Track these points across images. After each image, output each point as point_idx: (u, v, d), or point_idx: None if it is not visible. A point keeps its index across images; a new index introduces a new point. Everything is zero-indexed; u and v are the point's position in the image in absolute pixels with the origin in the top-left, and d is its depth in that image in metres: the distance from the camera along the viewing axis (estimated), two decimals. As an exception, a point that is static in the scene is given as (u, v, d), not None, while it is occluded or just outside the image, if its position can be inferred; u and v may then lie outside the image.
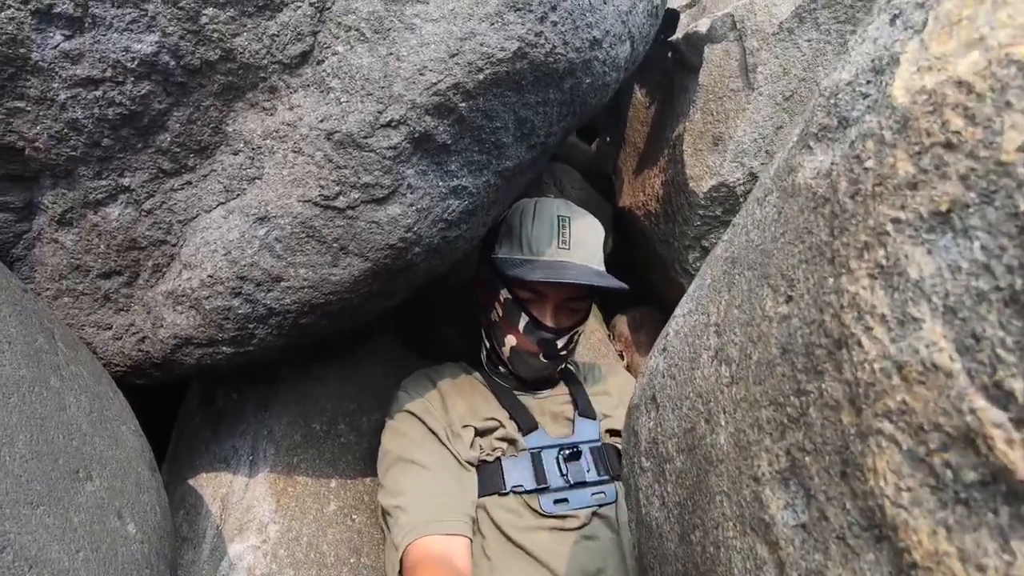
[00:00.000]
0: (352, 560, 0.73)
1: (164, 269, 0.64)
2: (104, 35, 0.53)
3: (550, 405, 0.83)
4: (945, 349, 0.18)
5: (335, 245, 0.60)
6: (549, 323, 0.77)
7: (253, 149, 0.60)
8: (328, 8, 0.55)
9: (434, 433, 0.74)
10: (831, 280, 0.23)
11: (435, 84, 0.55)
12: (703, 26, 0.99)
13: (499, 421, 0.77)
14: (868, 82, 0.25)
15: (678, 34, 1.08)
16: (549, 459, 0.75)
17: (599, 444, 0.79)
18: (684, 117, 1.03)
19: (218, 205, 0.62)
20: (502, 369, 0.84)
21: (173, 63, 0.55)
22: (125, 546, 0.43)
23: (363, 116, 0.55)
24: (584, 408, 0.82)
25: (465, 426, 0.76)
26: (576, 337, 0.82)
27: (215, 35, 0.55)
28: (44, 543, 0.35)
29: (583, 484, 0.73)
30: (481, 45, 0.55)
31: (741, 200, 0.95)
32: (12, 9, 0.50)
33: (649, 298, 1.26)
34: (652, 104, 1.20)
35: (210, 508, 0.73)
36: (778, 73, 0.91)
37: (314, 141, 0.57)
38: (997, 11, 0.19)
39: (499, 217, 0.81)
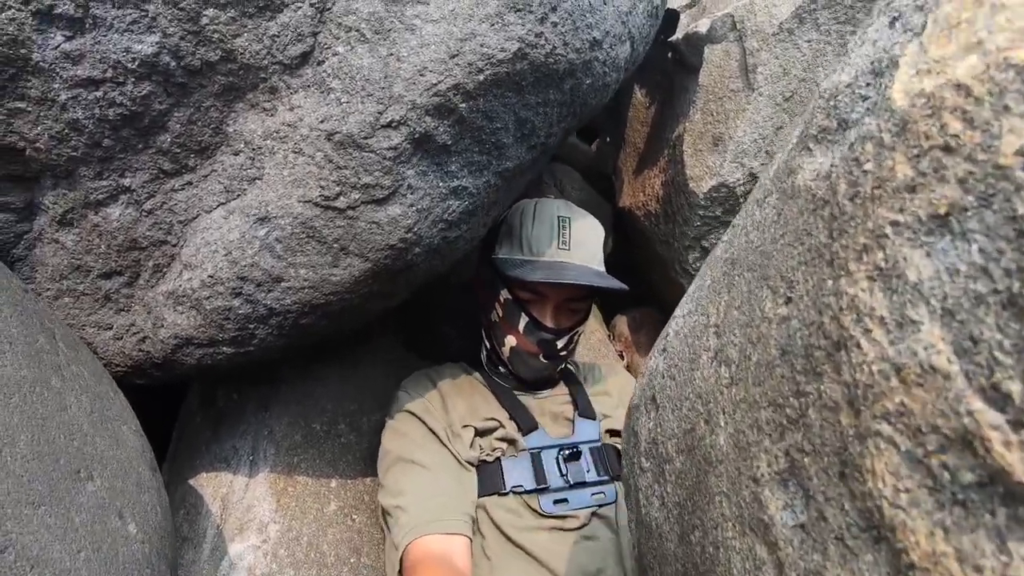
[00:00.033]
0: (352, 560, 0.73)
1: (165, 269, 0.64)
2: (105, 36, 0.53)
3: (550, 405, 0.83)
4: (943, 351, 0.18)
5: (335, 245, 0.60)
6: (549, 323, 0.77)
7: (254, 149, 0.60)
8: (328, 9, 0.55)
9: (434, 433, 0.74)
10: (830, 282, 0.24)
11: (435, 85, 0.55)
12: (703, 26, 0.99)
13: (499, 421, 0.78)
14: (867, 84, 0.25)
15: (678, 34, 1.09)
16: (549, 459, 0.75)
17: (599, 444, 0.79)
18: (684, 117, 1.03)
19: (219, 205, 0.62)
20: (502, 369, 0.84)
21: (174, 64, 0.55)
22: (126, 546, 0.43)
23: (363, 117, 0.56)
24: (584, 408, 0.82)
25: (465, 426, 0.76)
26: (576, 337, 0.82)
27: (216, 36, 0.55)
28: (46, 543, 0.35)
29: (583, 484, 0.74)
30: (481, 46, 0.55)
31: (741, 200, 0.95)
32: (13, 10, 0.50)
33: (649, 298, 1.26)
34: (652, 104, 1.21)
35: (210, 508, 0.73)
36: (778, 73, 0.91)
37: (314, 142, 0.57)
38: (995, 15, 0.19)
39: (499, 217, 0.82)
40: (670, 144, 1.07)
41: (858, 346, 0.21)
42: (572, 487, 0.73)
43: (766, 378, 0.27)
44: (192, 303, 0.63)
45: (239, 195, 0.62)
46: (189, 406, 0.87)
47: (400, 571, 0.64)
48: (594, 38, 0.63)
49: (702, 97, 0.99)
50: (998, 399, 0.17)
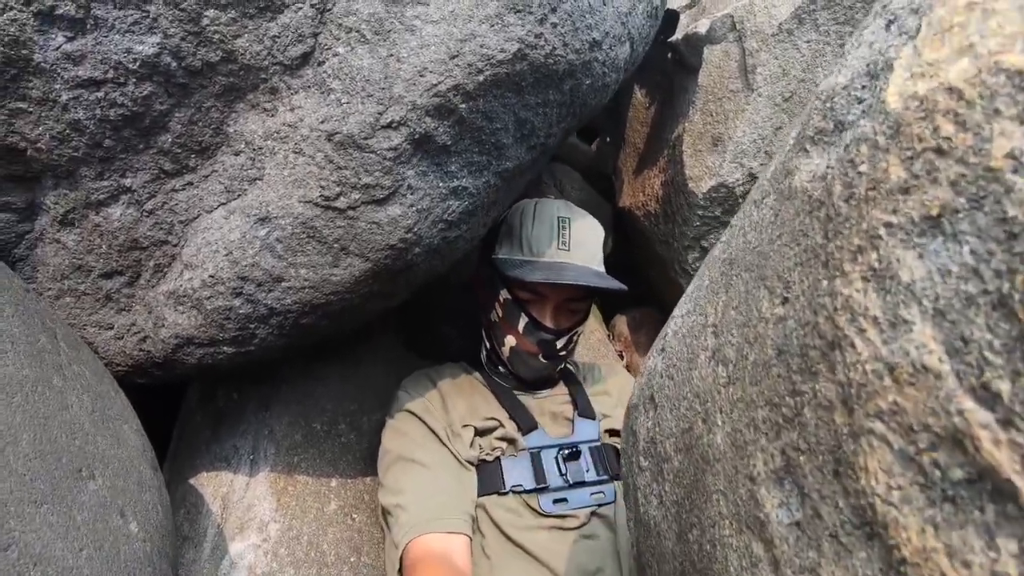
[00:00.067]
0: (352, 559, 0.74)
1: (165, 269, 0.65)
2: (106, 36, 0.53)
3: (550, 405, 0.83)
4: (935, 351, 0.18)
5: (336, 246, 0.60)
6: (549, 324, 0.78)
7: (254, 150, 0.60)
8: (329, 10, 0.56)
9: (434, 432, 0.74)
10: (825, 282, 0.24)
11: (435, 85, 0.55)
12: (702, 27, 0.99)
13: (499, 421, 0.78)
14: (863, 87, 0.26)
15: (678, 35, 1.09)
16: (548, 459, 0.75)
17: (598, 444, 0.79)
18: (684, 118, 1.04)
19: (219, 206, 0.63)
20: (502, 369, 0.84)
21: (175, 64, 0.55)
22: (128, 544, 0.44)
23: (364, 117, 0.56)
24: (583, 408, 0.83)
25: (465, 426, 0.76)
26: (575, 338, 0.82)
27: (216, 36, 0.55)
28: (48, 541, 0.35)
29: (582, 484, 0.74)
30: (481, 47, 0.55)
31: (740, 201, 0.96)
32: (14, 11, 0.50)
33: (649, 298, 1.26)
34: (652, 105, 1.21)
35: (211, 507, 0.73)
36: (777, 74, 0.91)
37: (315, 142, 0.57)
38: (987, 19, 0.20)
39: (499, 218, 0.82)
40: (670, 144, 1.07)
41: (852, 346, 0.22)
42: (571, 486, 0.73)
43: (763, 377, 0.28)
44: (193, 303, 0.63)
45: (240, 195, 0.62)
46: (189, 405, 0.87)
47: (400, 570, 0.64)
48: (594, 39, 0.63)
49: (701, 97, 0.99)
50: (988, 398, 0.17)
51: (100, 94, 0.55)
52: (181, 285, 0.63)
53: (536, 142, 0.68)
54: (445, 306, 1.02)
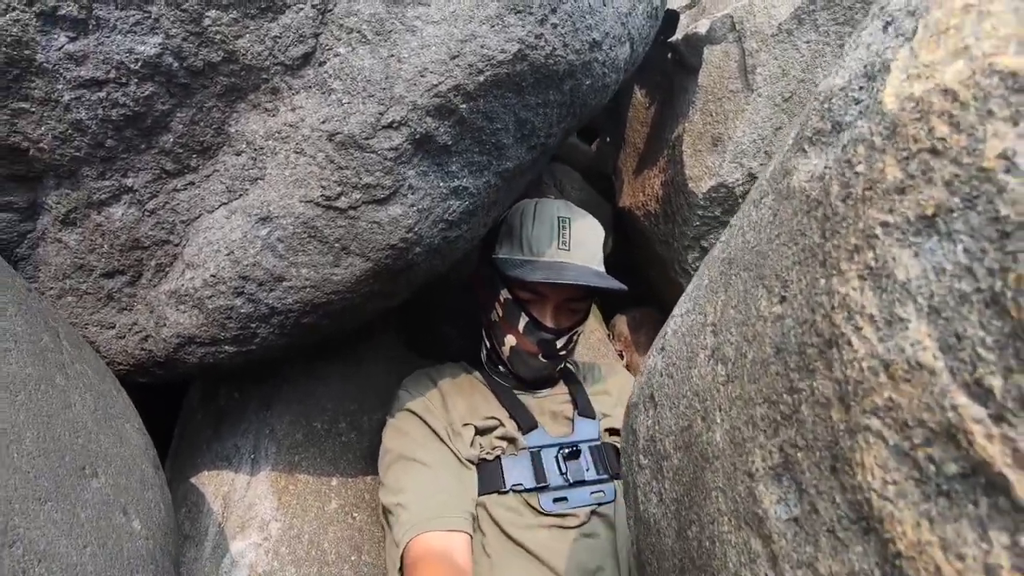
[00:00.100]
0: (353, 558, 0.74)
1: (167, 269, 0.65)
2: (108, 37, 0.53)
3: (550, 404, 0.84)
4: (929, 348, 0.19)
5: (337, 245, 0.60)
6: (549, 323, 0.78)
7: (255, 150, 0.61)
8: (330, 10, 0.56)
9: (435, 431, 0.75)
10: (823, 281, 0.24)
11: (436, 86, 0.55)
12: (702, 27, 1.00)
13: (499, 420, 0.78)
14: (861, 88, 0.26)
15: (677, 35, 1.09)
16: (548, 458, 0.75)
17: (598, 443, 0.79)
18: (683, 118, 1.04)
19: (220, 205, 0.63)
20: (502, 368, 0.84)
21: (176, 64, 0.56)
22: (131, 542, 0.44)
23: (365, 117, 0.56)
24: (583, 407, 0.83)
25: (465, 425, 0.76)
26: (575, 337, 0.82)
27: (218, 37, 0.55)
28: (52, 538, 0.35)
29: (582, 483, 0.74)
30: (482, 47, 0.55)
31: (740, 201, 0.96)
32: (17, 11, 0.51)
33: (649, 298, 1.27)
34: (652, 105, 1.21)
35: (212, 506, 0.73)
36: (777, 74, 0.92)
37: (316, 142, 0.58)
38: (982, 22, 0.20)
39: (499, 217, 0.82)
40: (669, 144, 1.08)
41: (849, 343, 0.22)
42: (571, 485, 0.73)
43: (761, 375, 0.28)
44: (194, 302, 0.63)
45: (241, 195, 0.62)
46: (191, 404, 0.87)
47: (401, 568, 0.65)
48: (594, 39, 0.63)
49: (701, 98, 1.00)
50: (981, 394, 0.17)
51: (102, 94, 0.55)
52: (183, 284, 0.63)
53: (536, 142, 0.68)
54: (445, 306, 1.02)
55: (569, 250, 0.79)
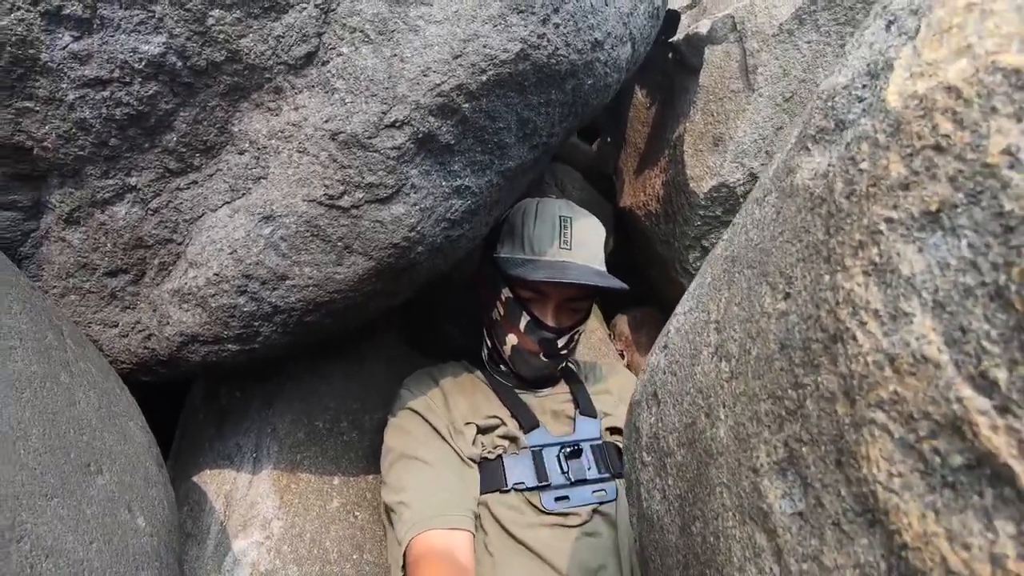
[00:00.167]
0: (355, 556, 0.74)
1: (170, 267, 0.65)
2: (112, 36, 0.53)
3: (551, 403, 0.84)
4: (934, 342, 0.19)
5: (340, 244, 0.61)
6: (550, 323, 0.78)
7: (258, 149, 0.61)
8: (333, 10, 0.56)
9: (436, 430, 0.75)
10: (827, 277, 0.24)
11: (439, 85, 0.55)
12: (704, 27, 1.00)
13: (500, 419, 0.78)
14: (864, 86, 0.26)
15: (679, 35, 1.09)
16: (550, 457, 0.75)
17: (600, 442, 0.79)
18: (684, 118, 1.04)
19: (224, 204, 0.63)
20: (503, 368, 0.84)
21: (180, 64, 0.56)
22: (135, 539, 0.44)
23: (367, 116, 0.56)
24: (585, 406, 0.83)
25: (467, 423, 0.76)
26: (577, 337, 0.83)
27: (221, 36, 0.55)
28: (59, 534, 0.36)
29: (584, 482, 0.74)
30: (484, 47, 0.55)
31: (741, 200, 0.96)
32: (22, 11, 0.51)
33: (649, 298, 1.27)
34: (653, 105, 1.21)
35: (214, 504, 0.73)
36: (778, 74, 0.92)
37: (319, 141, 0.58)
38: (985, 20, 0.20)
39: (501, 217, 0.82)
40: (671, 144, 1.08)
41: (854, 338, 0.22)
42: (573, 484, 0.74)
43: (765, 371, 0.28)
44: (197, 301, 0.64)
45: (244, 194, 0.62)
46: (193, 403, 0.87)
47: (404, 567, 0.65)
48: (596, 39, 0.64)
49: (702, 97, 1.00)
50: (985, 386, 0.17)
51: (106, 93, 0.55)
52: (186, 283, 0.64)
53: (538, 141, 0.68)
54: (447, 305, 1.02)
55: (571, 249, 0.79)
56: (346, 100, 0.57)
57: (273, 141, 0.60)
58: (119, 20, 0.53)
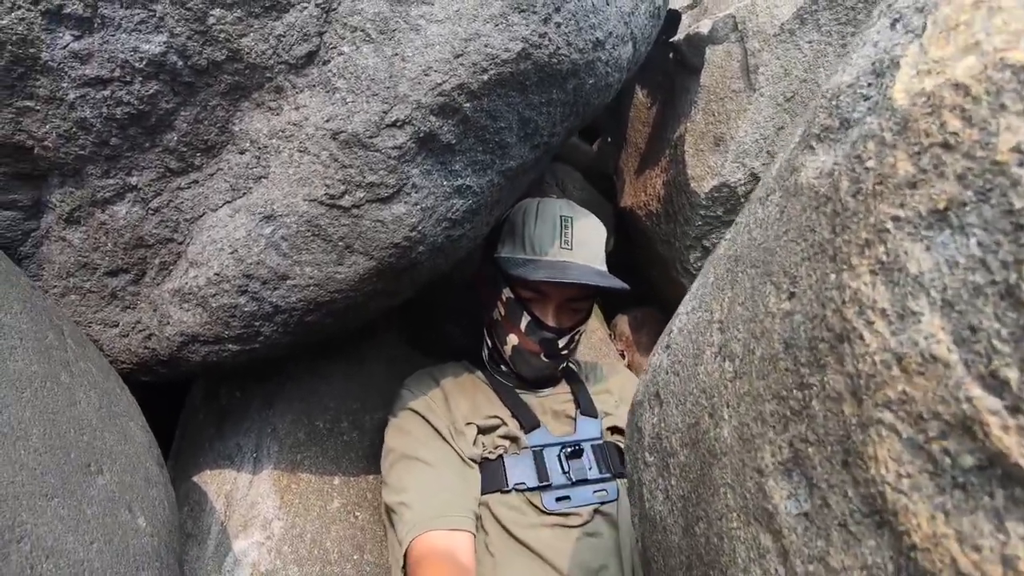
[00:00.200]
0: (355, 557, 0.74)
1: (171, 267, 0.65)
2: (113, 35, 0.53)
3: (552, 403, 0.84)
4: (943, 341, 0.19)
5: (340, 244, 0.60)
6: (551, 323, 0.78)
7: (259, 148, 0.61)
8: (334, 9, 0.56)
9: (437, 430, 0.75)
10: (833, 276, 0.24)
11: (440, 84, 0.55)
12: (704, 27, 1.00)
13: (501, 419, 0.78)
14: (869, 84, 0.26)
15: (680, 35, 1.09)
16: (551, 457, 0.75)
17: (600, 442, 0.79)
18: (685, 118, 1.04)
19: (224, 204, 0.63)
20: (504, 368, 0.84)
21: (181, 63, 0.56)
22: (136, 539, 0.44)
23: (368, 116, 0.56)
24: (586, 406, 0.83)
25: (468, 424, 0.76)
26: (577, 337, 0.82)
27: (222, 35, 0.55)
28: (59, 534, 0.35)
29: (585, 482, 0.74)
30: (486, 46, 0.55)
31: (742, 200, 0.96)
32: (23, 10, 0.51)
33: (650, 298, 1.27)
34: (654, 105, 1.21)
35: (214, 505, 0.73)
36: (779, 74, 0.92)
37: (320, 141, 0.58)
38: (992, 17, 0.20)
39: (502, 216, 0.82)
40: (671, 144, 1.08)
41: (861, 337, 0.22)
42: (574, 484, 0.73)
43: (770, 371, 0.28)
44: (198, 300, 0.63)
45: (245, 193, 0.62)
46: (193, 403, 0.87)
47: (404, 567, 0.65)
48: (597, 38, 0.63)
49: (703, 97, 1.00)
50: (996, 385, 0.17)
51: (107, 92, 0.55)
52: (186, 283, 0.63)
53: (539, 141, 0.68)
54: (448, 304, 1.02)
55: (571, 249, 0.79)
56: (347, 99, 0.57)
57: (274, 140, 0.60)
58: (120, 19, 0.53)
